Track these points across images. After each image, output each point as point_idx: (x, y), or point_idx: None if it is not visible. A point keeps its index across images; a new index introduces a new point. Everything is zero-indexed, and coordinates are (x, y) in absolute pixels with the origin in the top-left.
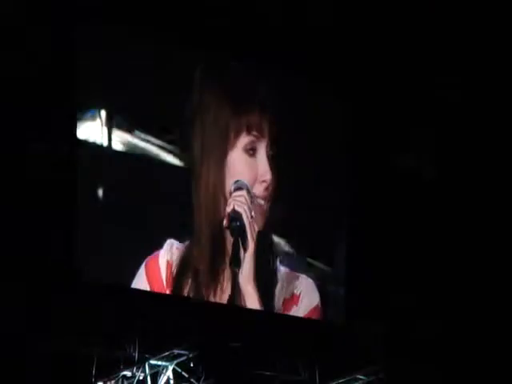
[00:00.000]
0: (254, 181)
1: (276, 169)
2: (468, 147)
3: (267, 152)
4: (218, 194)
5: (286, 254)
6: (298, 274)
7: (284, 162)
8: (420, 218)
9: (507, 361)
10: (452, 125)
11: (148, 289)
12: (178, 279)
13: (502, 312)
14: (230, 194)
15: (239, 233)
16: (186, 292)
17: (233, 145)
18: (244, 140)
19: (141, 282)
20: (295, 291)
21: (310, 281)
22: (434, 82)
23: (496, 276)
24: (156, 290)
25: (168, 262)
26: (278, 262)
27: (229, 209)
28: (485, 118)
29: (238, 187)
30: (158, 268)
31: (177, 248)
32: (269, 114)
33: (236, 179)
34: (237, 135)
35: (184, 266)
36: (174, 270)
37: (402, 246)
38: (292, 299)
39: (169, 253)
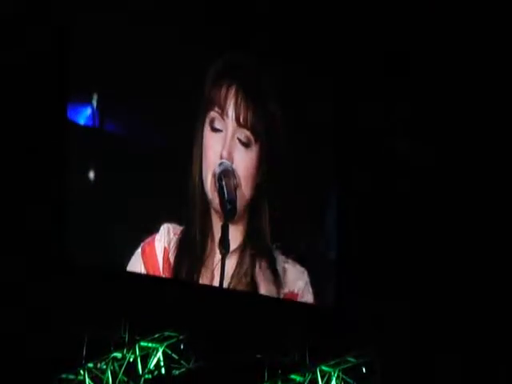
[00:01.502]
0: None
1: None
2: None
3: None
4: (206, 175)
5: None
6: (293, 262)
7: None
8: (412, 200)
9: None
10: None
11: (144, 273)
12: (175, 264)
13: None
14: (214, 175)
15: (231, 216)
16: (183, 276)
17: (204, 121)
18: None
19: (137, 266)
20: (293, 289)
21: (305, 273)
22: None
23: (493, 258)
24: (152, 274)
25: (165, 247)
26: (278, 250)
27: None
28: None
29: (223, 170)
30: (155, 253)
31: (174, 233)
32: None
33: (220, 161)
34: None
35: (181, 251)
36: (172, 255)
37: (395, 229)
38: (290, 295)
39: (166, 237)
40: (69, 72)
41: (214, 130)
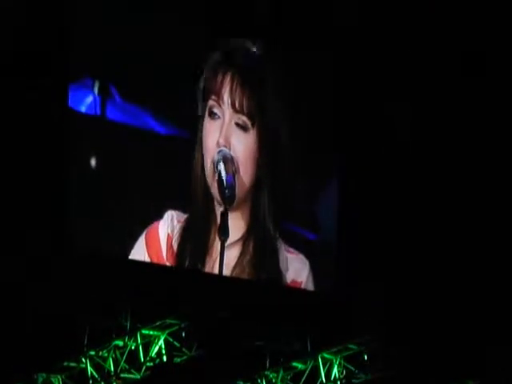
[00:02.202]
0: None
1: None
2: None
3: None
4: (206, 162)
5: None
6: (296, 251)
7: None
8: (413, 189)
9: None
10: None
11: (148, 260)
12: (178, 251)
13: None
14: (213, 162)
15: (230, 202)
16: (186, 265)
17: (204, 110)
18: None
19: (140, 253)
20: (297, 278)
21: (307, 263)
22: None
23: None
24: (156, 261)
25: (168, 234)
26: (280, 239)
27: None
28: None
29: (222, 157)
30: (158, 239)
31: (178, 221)
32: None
33: (219, 149)
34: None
35: (184, 239)
36: (175, 242)
37: (396, 217)
38: (293, 284)
39: (170, 225)
40: (70, 59)
41: (212, 117)
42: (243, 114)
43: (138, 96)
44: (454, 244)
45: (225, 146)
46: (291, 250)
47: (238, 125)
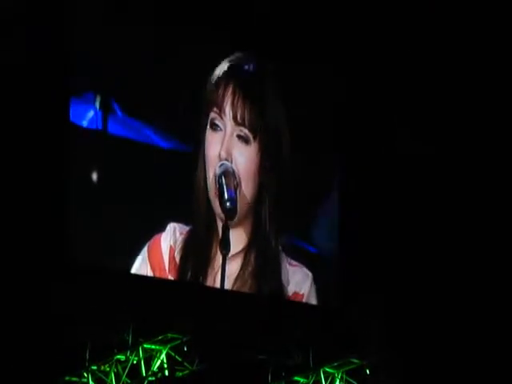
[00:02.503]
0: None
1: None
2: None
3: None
4: (208, 175)
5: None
6: (298, 264)
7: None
8: (415, 199)
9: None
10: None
11: (150, 274)
12: (180, 264)
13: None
14: (215, 176)
15: (231, 215)
16: (188, 277)
17: (206, 123)
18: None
19: (143, 265)
20: (298, 290)
21: (309, 275)
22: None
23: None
24: (158, 274)
25: (171, 246)
26: (282, 252)
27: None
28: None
29: (223, 170)
30: (161, 252)
31: (180, 233)
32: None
33: (221, 162)
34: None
35: (186, 252)
36: (177, 255)
37: (399, 230)
38: (294, 296)
39: (172, 237)
40: (71, 74)
41: (214, 129)
42: (245, 126)
43: (139, 110)
44: (455, 255)
45: (226, 159)
46: (294, 262)
47: (239, 137)
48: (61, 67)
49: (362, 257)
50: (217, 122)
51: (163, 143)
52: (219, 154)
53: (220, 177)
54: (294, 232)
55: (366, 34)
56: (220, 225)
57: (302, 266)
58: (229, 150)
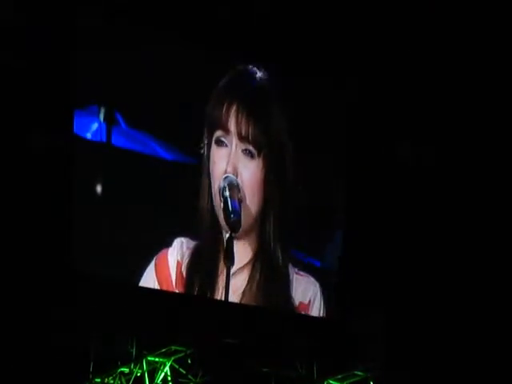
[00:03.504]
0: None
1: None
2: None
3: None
4: (214, 190)
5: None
6: (305, 274)
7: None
8: (415, 208)
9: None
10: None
11: (158, 287)
12: (187, 279)
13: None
14: (220, 189)
15: (235, 228)
16: (195, 292)
17: (210, 138)
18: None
19: (151, 280)
20: (304, 300)
21: (317, 284)
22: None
23: (497, 266)
24: (165, 288)
25: (178, 261)
26: (289, 264)
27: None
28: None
29: (228, 183)
30: (168, 266)
31: (187, 247)
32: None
33: (225, 175)
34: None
35: (193, 266)
36: (184, 270)
37: (405, 242)
38: (300, 307)
39: (179, 251)
40: (75, 86)
41: (219, 145)
42: (249, 142)
43: (143, 122)
44: (459, 268)
45: (232, 173)
46: (301, 272)
47: (244, 152)
48: (64, 79)
49: (366, 269)
50: (222, 138)
51: (168, 155)
52: (225, 170)
53: (224, 189)
54: (299, 246)
55: (365, 44)
56: (225, 238)
57: (309, 275)
58: (235, 164)
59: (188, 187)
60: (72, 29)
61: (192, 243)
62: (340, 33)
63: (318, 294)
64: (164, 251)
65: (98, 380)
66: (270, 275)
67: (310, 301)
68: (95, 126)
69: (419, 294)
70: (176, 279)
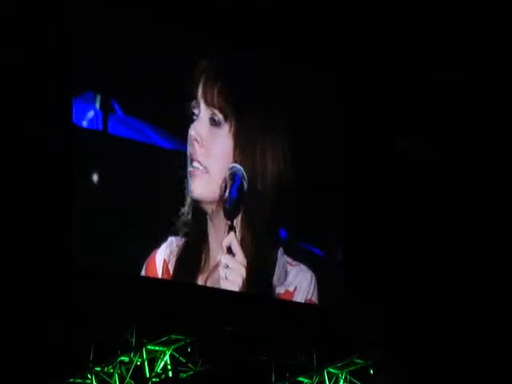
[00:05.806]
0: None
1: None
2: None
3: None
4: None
5: (288, 242)
6: (297, 263)
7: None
8: (417, 200)
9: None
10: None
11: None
12: (173, 274)
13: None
14: (225, 179)
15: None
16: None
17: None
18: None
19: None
20: (290, 288)
21: (309, 273)
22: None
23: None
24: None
25: (164, 260)
26: (279, 251)
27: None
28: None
29: (233, 173)
30: (155, 267)
31: (176, 245)
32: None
33: (231, 165)
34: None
35: (179, 259)
36: (170, 265)
37: (403, 231)
38: (285, 294)
39: (167, 250)
40: (72, 75)
41: (192, 119)
42: (215, 107)
43: (140, 110)
44: (456, 259)
45: (195, 140)
46: (293, 262)
47: (210, 120)
48: (61, 67)
49: (367, 259)
50: (194, 110)
51: (164, 143)
52: (194, 137)
53: (229, 178)
54: (300, 234)
55: (364, 40)
56: (211, 230)
57: (300, 264)
58: (200, 132)
59: (178, 175)
60: (68, 19)
61: (181, 240)
62: (340, 26)
63: (308, 281)
64: (154, 252)
65: (98, 369)
66: (259, 262)
67: (296, 288)
68: (91, 113)
69: (419, 283)
70: (162, 276)
